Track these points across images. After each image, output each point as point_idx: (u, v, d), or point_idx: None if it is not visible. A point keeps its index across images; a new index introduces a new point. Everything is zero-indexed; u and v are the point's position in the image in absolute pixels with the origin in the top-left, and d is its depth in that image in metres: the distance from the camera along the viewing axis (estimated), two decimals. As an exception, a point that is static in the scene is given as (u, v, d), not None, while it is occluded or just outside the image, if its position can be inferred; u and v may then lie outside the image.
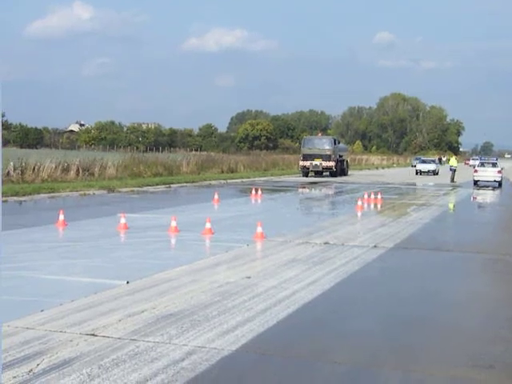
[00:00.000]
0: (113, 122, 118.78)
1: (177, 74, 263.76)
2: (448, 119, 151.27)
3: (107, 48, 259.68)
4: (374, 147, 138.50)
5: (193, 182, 33.22)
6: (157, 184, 29.74)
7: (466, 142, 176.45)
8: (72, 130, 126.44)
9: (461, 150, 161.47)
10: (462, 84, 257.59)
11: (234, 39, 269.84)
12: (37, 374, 5.26)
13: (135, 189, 26.99)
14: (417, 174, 53.67)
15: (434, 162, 57.90)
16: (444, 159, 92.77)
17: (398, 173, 59.13)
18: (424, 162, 57.63)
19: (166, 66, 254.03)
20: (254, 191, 24.78)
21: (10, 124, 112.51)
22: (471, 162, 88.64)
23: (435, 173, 53.70)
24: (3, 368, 5.34)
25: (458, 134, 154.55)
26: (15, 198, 20.77)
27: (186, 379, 5.27)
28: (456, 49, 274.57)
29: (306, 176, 43.88)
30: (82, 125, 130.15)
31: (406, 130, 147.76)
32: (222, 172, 42.79)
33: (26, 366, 5.41)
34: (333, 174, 43.77)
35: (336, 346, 6.35)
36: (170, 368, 5.49)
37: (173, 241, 13.06)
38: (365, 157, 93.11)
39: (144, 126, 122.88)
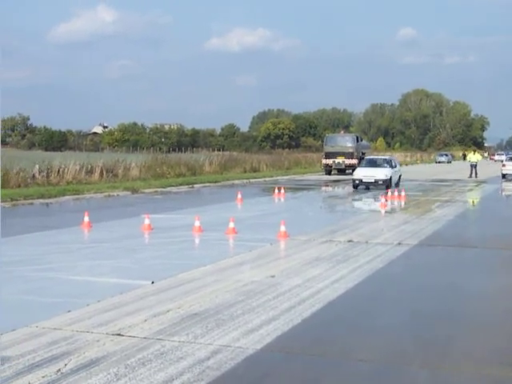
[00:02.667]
0: (135, 124, 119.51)
1: (199, 75, 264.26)
2: (472, 114, 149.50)
3: (130, 50, 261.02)
4: (397, 144, 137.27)
5: (216, 181, 33.28)
6: (180, 184, 29.88)
7: (492, 136, 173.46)
8: (95, 133, 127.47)
9: (486, 145, 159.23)
10: (486, 78, 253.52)
11: (255, 39, 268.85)
12: (65, 374, 5.33)
13: (159, 189, 27.15)
14: (355, 187, 28.70)
15: (388, 163, 30.15)
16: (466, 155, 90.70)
17: (422, 169, 58.65)
18: (371, 163, 30.13)
19: (187, 67, 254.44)
20: (276, 190, 24.77)
21: (35, 127, 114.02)
22: (496, 157, 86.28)
23: (387, 184, 27.65)
24: (32, 368, 5.43)
25: (483, 129, 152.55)
26: (41, 201, 21.04)
27: (212, 378, 5.29)
28: (480, 43, 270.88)
29: (329, 174, 43.72)
30: (105, 127, 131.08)
31: (429, 126, 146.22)
32: (245, 171, 42.81)
33: (54, 366, 5.48)
34: (356, 172, 43.40)
35: (361, 343, 6.33)
36: (195, 367, 5.52)
37: (197, 241, 13.12)
38: (388, 154, 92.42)
39: (166, 127, 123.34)
